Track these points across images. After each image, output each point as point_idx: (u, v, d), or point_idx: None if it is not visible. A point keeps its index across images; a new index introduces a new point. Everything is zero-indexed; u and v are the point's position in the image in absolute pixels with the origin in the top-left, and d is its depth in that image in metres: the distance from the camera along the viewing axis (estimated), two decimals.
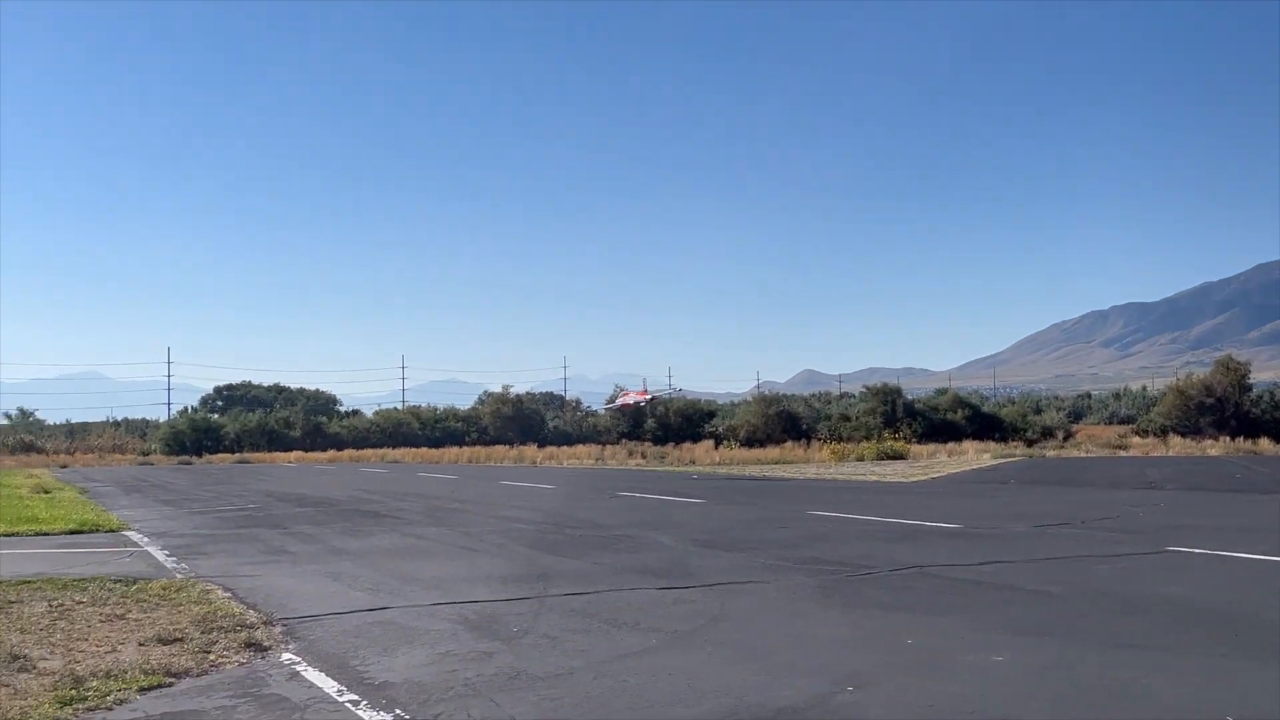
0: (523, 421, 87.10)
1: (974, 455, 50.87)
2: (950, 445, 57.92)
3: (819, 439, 66.24)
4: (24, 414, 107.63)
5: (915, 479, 33.82)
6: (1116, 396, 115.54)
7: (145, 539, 18.10)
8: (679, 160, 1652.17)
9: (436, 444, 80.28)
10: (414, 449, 76.61)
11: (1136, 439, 60.08)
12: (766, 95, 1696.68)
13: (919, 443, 60.87)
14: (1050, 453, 53.78)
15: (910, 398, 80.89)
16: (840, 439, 63.70)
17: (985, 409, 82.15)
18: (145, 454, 78.67)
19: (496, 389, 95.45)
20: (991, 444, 59.82)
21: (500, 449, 71.37)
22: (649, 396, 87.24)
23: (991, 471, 37.90)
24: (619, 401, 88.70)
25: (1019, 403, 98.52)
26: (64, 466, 63.04)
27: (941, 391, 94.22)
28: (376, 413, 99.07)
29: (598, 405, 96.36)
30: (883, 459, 49.96)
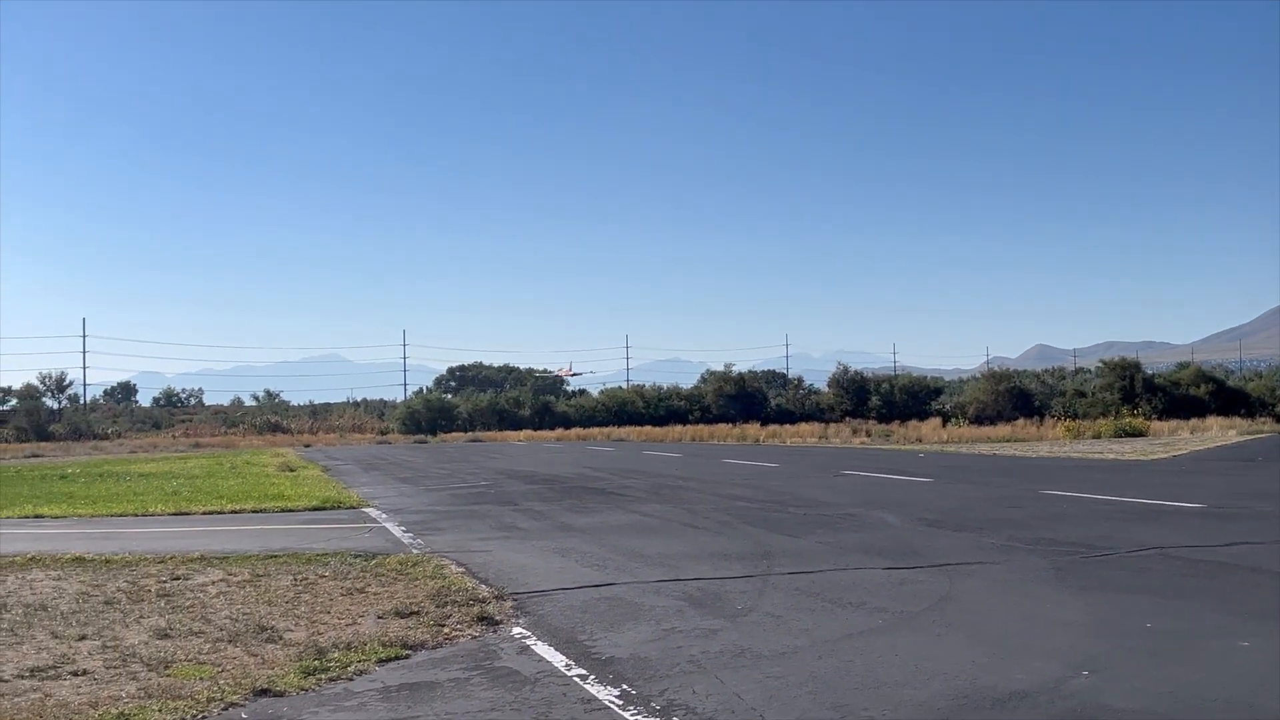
0: (745, 400, 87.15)
1: (1218, 432, 48.70)
2: (1193, 421, 55.56)
3: (1052, 416, 64.22)
4: (270, 396, 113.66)
5: (1155, 457, 32.50)
6: None
7: (383, 515, 18.78)
8: (900, 133, 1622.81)
9: (660, 422, 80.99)
10: (638, 427, 77.42)
11: None
12: (1016, 80, 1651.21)
13: (1159, 419, 58.56)
14: None
15: (1150, 372, 78.08)
16: (1075, 416, 61.69)
17: (1230, 383, 78.79)
18: (383, 433, 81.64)
19: (719, 367, 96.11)
20: (1237, 420, 57.17)
21: (723, 427, 71.59)
22: (572, 373, 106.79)
23: (1237, 449, 36.15)
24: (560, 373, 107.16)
25: (1267, 376, 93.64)
26: (307, 445, 65.98)
27: (1183, 366, 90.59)
28: (602, 392, 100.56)
29: (821, 383, 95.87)
30: (1120, 436, 48.16)
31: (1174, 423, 56.02)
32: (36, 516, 19.05)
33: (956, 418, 69.75)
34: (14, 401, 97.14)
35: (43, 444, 68.78)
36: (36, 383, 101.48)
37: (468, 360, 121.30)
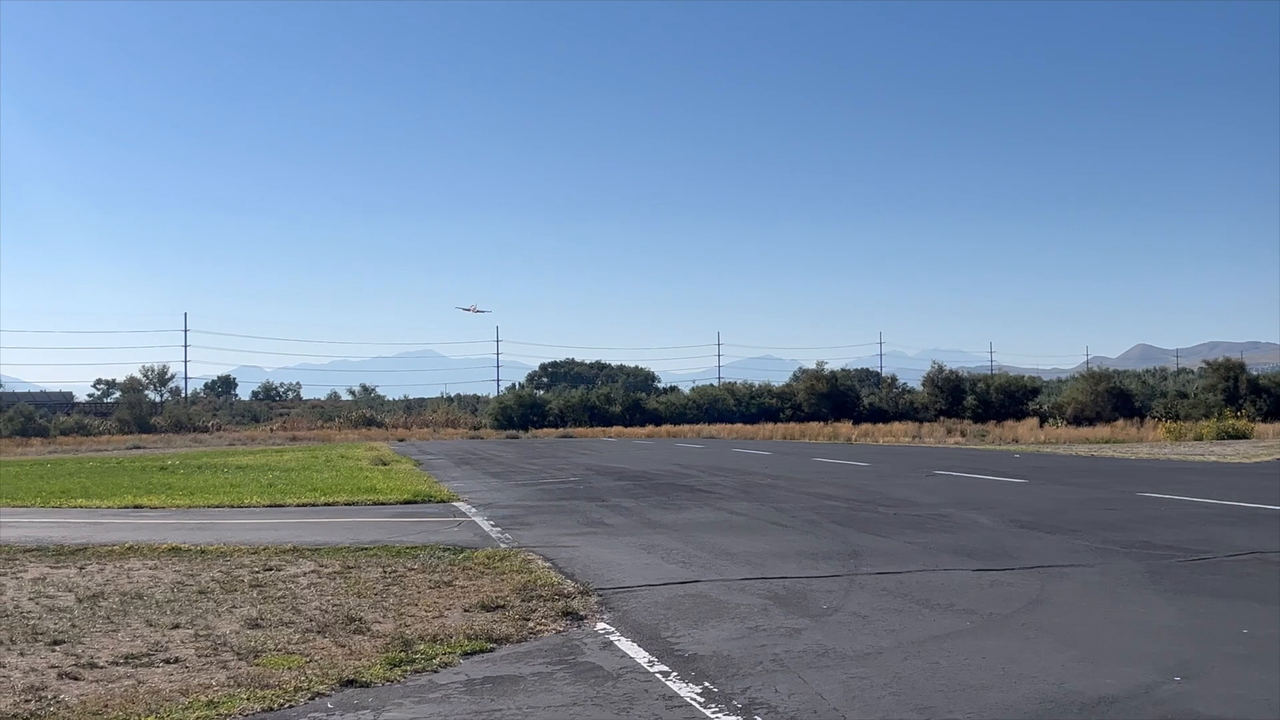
0: (837, 398, 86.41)
1: None
2: None
3: (1153, 417, 62.85)
4: (366, 390, 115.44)
5: (1258, 459, 31.66)
6: None
7: (473, 509, 18.95)
8: (998, 134, 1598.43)
9: (751, 420, 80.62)
10: (729, 425, 77.15)
11: None
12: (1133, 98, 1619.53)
13: (1264, 421, 57.14)
14: None
15: (1255, 373, 76.34)
16: (1176, 417, 60.33)
17: None
18: (475, 428, 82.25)
19: (811, 365, 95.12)
20: None
21: (814, 426, 71.04)
22: (479, 311, 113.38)
23: None
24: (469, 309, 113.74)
25: None
26: (401, 440, 66.66)
27: None
28: (693, 389, 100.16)
29: (915, 382, 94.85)
30: (1223, 438, 46.99)
31: (1279, 425, 54.65)
32: (136, 507, 19.55)
33: (1054, 418, 68.58)
34: (117, 394, 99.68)
35: (144, 436, 70.35)
36: (139, 376, 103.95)
37: (560, 357, 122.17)
